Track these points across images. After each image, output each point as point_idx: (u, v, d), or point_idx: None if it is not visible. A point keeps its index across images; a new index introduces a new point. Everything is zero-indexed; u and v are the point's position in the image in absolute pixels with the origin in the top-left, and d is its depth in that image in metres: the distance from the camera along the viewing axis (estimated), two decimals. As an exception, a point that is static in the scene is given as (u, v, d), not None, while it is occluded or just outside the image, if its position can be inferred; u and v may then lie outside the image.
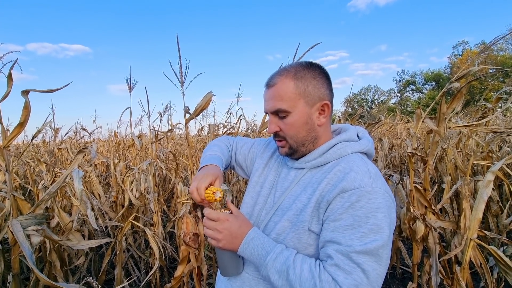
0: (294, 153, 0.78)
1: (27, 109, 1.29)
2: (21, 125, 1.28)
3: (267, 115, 0.79)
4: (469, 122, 2.03)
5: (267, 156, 0.91)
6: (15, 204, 1.34)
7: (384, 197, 0.65)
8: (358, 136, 0.80)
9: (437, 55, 50.01)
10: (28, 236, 1.28)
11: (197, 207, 0.83)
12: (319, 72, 0.76)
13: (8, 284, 1.35)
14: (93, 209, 1.71)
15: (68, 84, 1.38)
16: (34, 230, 1.31)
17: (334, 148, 0.75)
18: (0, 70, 1.26)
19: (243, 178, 2.98)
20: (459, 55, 29.33)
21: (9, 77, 1.25)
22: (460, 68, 1.59)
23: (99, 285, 0.98)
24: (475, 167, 3.02)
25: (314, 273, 0.62)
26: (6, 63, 1.22)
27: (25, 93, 1.27)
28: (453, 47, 30.69)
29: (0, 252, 2.07)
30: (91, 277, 1.02)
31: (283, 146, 0.78)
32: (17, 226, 1.24)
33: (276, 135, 0.78)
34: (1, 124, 1.29)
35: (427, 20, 51.40)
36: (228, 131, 3.39)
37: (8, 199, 2.03)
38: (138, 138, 2.71)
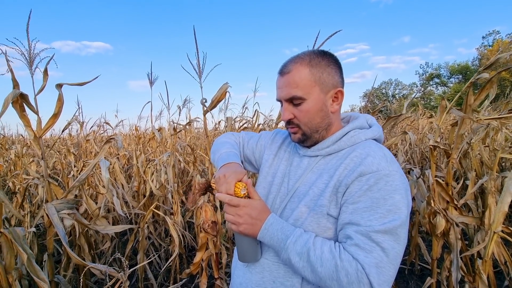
0: (307, 140, 0.79)
1: (60, 101, 1.38)
2: (55, 116, 1.38)
3: (281, 103, 0.79)
4: (499, 115, 1.94)
5: (276, 146, 0.92)
6: (50, 190, 1.45)
7: (400, 180, 0.67)
8: (367, 123, 0.81)
9: (466, 46, 46.84)
10: (61, 219, 1.38)
11: (205, 193, 0.86)
12: (332, 60, 0.77)
13: (43, 263, 1.47)
14: (118, 197, 1.81)
15: (97, 77, 1.46)
16: (66, 214, 1.41)
17: (347, 135, 0.77)
18: (37, 66, 1.36)
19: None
20: (489, 46, 27.51)
21: (45, 72, 1.34)
22: (490, 60, 1.52)
23: (126, 261, 1.05)
24: (503, 163, 2.87)
25: (334, 253, 0.64)
26: (42, 59, 1.31)
27: (59, 86, 1.36)
28: (483, 37, 28.75)
29: (34, 236, 2.25)
30: (119, 254, 1.09)
31: (296, 133, 0.79)
32: (52, 209, 1.34)
33: (289, 122, 0.78)
34: (38, 115, 1.39)
35: (455, 8, 48.30)
36: (244, 125, 3.43)
37: (42, 187, 2.18)
38: (158, 131, 2.81)
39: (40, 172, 2.83)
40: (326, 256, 0.64)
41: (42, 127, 1.42)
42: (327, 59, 0.76)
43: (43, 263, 1.49)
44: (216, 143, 1.00)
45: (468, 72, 28.35)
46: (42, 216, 1.96)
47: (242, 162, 1.01)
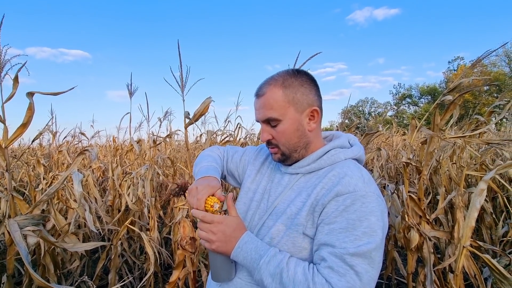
0: (287, 159, 0.79)
1: (31, 110, 1.31)
2: (24, 125, 1.30)
3: (259, 123, 0.80)
4: (463, 134, 2.09)
5: (259, 162, 0.92)
6: (13, 204, 1.35)
7: (377, 202, 0.67)
8: (349, 142, 0.82)
9: (434, 69, 50.84)
10: (24, 236, 1.28)
11: (180, 194, 0.85)
12: (306, 79, 0.77)
13: (2, 285, 1.34)
14: (90, 212, 1.71)
15: (73, 88, 1.41)
16: (31, 230, 1.31)
17: (328, 154, 0.77)
18: (7, 73, 1.29)
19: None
20: (454, 70, 29.98)
21: (15, 79, 1.28)
22: (453, 84, 1.65)
23: (94, 285, 0.99)
24: (470, 180, 3.07)
25: (307, 275, 0.62)
26: (14, 65, 1.25)
27: (30, 94, 1.30)
28: (449, 62, 31.37)
29: (-8, 255, 2.05)
30: (86, 276, 1.02)
31: (276, 153, 0.79)
32: (14, 226, 1.24)
33: (269, 142, 0.79)
34: (4, 124, 1.31)
35: (424, 34, 52.48)
36: (226, 138, 3.42)
37: (6, 201, 2.02)
38: (137, 143, 2.73)
39: (3, 185, 2.62)
40: (299, 278, 0.62)
41: (9, 137, 1.33)
42: (301, 79, 0.76)
43: (1, 285, 1.36)
44: (200, 156, 0.99)
45: (436, 94, 30.54)
46: (3, 233, 1.80)
47: (225, 176, 1.01)
